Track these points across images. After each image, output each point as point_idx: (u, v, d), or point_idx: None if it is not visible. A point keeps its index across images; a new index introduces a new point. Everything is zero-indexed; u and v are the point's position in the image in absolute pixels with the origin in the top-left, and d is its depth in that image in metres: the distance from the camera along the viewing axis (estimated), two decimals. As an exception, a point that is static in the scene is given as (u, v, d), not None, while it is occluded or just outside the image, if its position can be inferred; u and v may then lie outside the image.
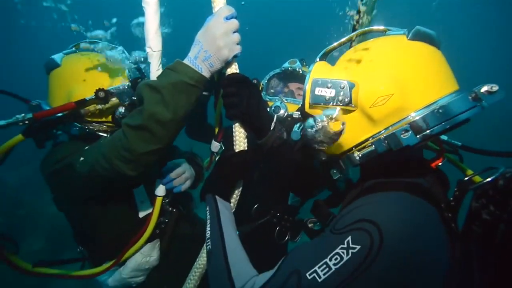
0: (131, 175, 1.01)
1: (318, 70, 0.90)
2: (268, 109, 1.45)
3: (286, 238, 1.72)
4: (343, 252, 0.68)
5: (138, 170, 1.01)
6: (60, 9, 1.32)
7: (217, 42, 0.95)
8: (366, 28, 1.00)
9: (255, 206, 1.71)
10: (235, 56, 1.02)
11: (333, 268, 0.68)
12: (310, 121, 0.82)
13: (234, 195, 1.13)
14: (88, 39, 1.42)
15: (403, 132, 0.75)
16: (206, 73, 0.98)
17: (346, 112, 0.83)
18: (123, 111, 1.33)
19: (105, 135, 1.35)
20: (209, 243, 0.94)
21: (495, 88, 0.71)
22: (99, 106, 1.29)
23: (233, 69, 1.07)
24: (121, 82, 1.34)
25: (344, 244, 0.69)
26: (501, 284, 0.74)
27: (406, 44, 0.83)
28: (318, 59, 0.98)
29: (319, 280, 0.68)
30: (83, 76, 1.33)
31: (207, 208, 1.04)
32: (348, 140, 0.85)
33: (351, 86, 0.81)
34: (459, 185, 0.83)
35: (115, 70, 1.38)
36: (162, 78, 0.96)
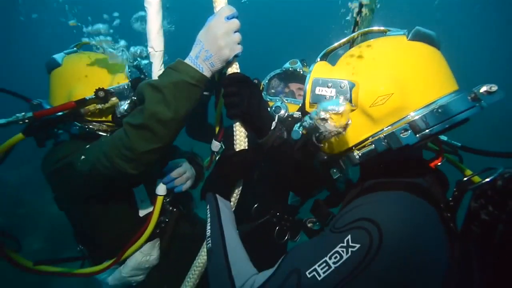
0: (132, 173, 1.01)
1: (319, 70, 0.90)
2: (268, 109, 1.45)
3: (286, 237, 1.73)
4: (342, 251, 0.69)
5: (139, 168, 1.01)
6: (59, 2, 1.32)
7: (218, 42, 0.96)
8: (366, 29, 1.00)
9: (255, 205, 1.71)
10: (236, 56, 1.02)
11: (333, 266, 0.68)
12: (314, 113, 0.81)
13: (234, 194, 1.13)
14: (89, 34, 1.42)
15: (403, 131, 0.76)
16: (207, 73, 0.98)
17: None
18: (125, 108, 1.33)
19: (105, 134, 1.36)
20: (210, 241, 0.95)
21: (494, 88, 0.72)
22: (99, 106, 1.29)
23: (234, 68, 1.07)
24: (121, 81, 1.35)
25: (344, 243, 0.69)
26: (500, 284, 0.74)
27: (406, 44, 0.84)
28: (318, 59, 0.98)
29: (319, 279, 0.68)
30: (83, 75, 1.33)
31: (208, 207, 1.05)
32: (348, 139, 0.85)
33: (351, 85, 0.81)
34: (458, 185, 0.84)
35: (115, 70, 1.38)
36: (163, 78, 0.96)
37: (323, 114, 0.76)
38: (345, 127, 0.76)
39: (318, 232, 1.01)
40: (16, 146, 1.26)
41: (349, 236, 0.69)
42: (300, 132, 0.90)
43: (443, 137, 1.11)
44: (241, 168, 1.11)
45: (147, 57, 1.09)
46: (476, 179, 0.84)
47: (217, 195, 1.06)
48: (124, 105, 1.32)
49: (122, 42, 1.39)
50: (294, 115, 1.64)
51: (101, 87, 1.27)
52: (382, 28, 0.95)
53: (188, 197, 1.61)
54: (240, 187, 1.15)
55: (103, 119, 1.36)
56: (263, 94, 1.82)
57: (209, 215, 1.02)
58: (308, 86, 0.87)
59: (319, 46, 1.07)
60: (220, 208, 1.02)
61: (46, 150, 1.36)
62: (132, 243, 1.34)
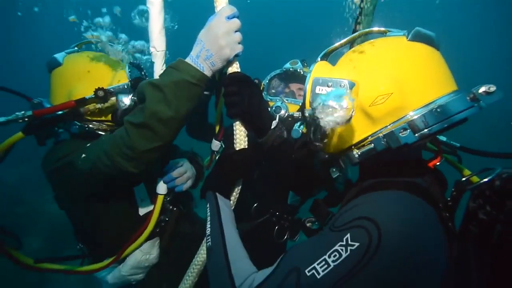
0: (132, 172, 1.02)
1: (319, 69, 0.91)
2: (269, 109, 1.45)
3: (285, 237, 1.73)
4: (342, 249, 0.69)
5: (139, 167, 1.02)
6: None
7: (219, 41, 0.96)
8: (366, 29, 1.01)
9: (255, 204, 1.72)
10: (236, 55, 1.03)
11: (332, 265, 0.69)
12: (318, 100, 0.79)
13: (234, 193, 1.14)
14: (88, 28, 1.42)
15: (402, 130, 0.76)
16: (207, 72, 0.99)
17: None
18: (127, 103, 1.33)
19: (105, 134, 1.36)
20: (209, 239, 0.95)
21: (493, 88, 0.72)
22: (99, 105, 1.30)
23: (235, 68, 1.08)
24: (121, 81, 1.35)
25: (343, 241, 0.69)
26: (498, 284, 0.75)
27: (406, 44, 0.84)
28: (319, 59, 0.99)
29: (318, 277, 0.69)
30: (83, 75, 1.34)
31: (208, 205, 1.05)
32: (347, 139, 0.86)
33: (351, 85, 0.82)
34: (456, 185, 0.84)
35: (115, 70, 1.39)
36: (164, 77, 0.97)
37: (324, 106, 0.75)
38: (349, 118, 0.75)
39: (316, 231, 1.02)
40: (16, 145, 1.27)
41: (348, 235, 0.70)
42: (300, 131, 0.90)
43: (442, 138, 1.12)
44: (241, 167, 1.11)
45: (146, 52, 1.09)
46: (475, 179, 0.84)
47: (217, 194, 1.07)
48: (126, 100, 1.32)
49: (123, 36, 1.39)
50: (294, 115, 1.65)
51: (100, 87, 1.27)
52: (382, 28, 0.95)
53: (188, 196, 1.62)
54: (240, 186, 1.15)
55: (103, 118, 1.37)
56: (263, 94, 1.83)
57: (209, 214, 1.02)
58: (308, 86, 0.87)
59: (319, 46, 1.07)
60: (220, 207, 1.02)
61: (46, 149, 1.36)
62: (132, 241, 1.35)
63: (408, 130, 0.76)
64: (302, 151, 1.04)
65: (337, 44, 1.02)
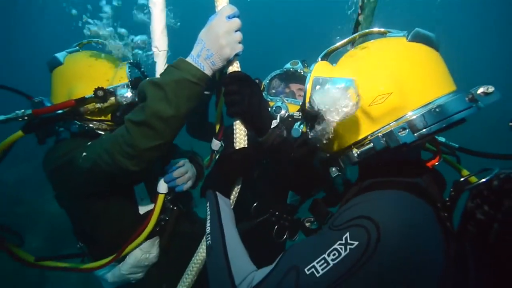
0: (133, 170, 1.02)
1: (320, 69, 0.91)
2: (269, 109, 1.46)
3: (284, 236, 1.74)
4: (341, 248, 0.69)
5: (140, 165, 1.02)
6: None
7: (219, 41, 0.97)
8: (367, 30, 1.01)
9: (255, 204, 1.72)
10: (236, 55, 1.03)
11: (331, 263, 0.69)
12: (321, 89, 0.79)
13: (234, 192, 1.14)
14: (87, 23, 1.42)
15: (401, 130, 0.77)
16: (208, 71, 0.99)
17: None
18: (128, 95, 1.33)
19: (105, 133, 1.37)
20: (209, 238, 0.95)
21: (491, 89, 0.73)
22: (98, 105, 1.30)
23: (235, 67, 1.08)
24: (121, 81, 1.36)
25: (342, 240, 0.70)
26: (497, 284, 0.75)
27: (406, 45, 0.85)
28: (319, 59, 0.99)
29: (317, 275, 0.69)
30: (84, 75, 1.35)
31: (207, 204, 1.05)
32: (347, 138, 0.86)
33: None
34: (455, 185, 0.84)
35: (115, 69, 1.39)
36: (165, 76, 0.98)
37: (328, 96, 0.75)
38: (356, 103, 0.75)
39: (315, 231, 1.02)
40: (15, 145, 1.27)
41: (347, 234, 0.70)
42: (300, 130, 0.90)
43: (441, 139, 1.12)
44: (240, 166, 1.12)
45: (147, 47, 1.09)
46: (473, 179, 0.85)
47: (217, 193, 1.07)
48: (128, 94, 1.32)
49: (123, 30, 1.39)
50: (294, 115, 1.65)
51: (100, 87, 1.28)
52: (382, 29, 0.96)
53: (188, 196, 1.62)
54: (240, 185, 1.15)
55: (103, 118, 1.37)
56: (263, 94, 1.83)
57: (209, 212, 1.03)
58: (309, 85, 0.88)
59: (319, 46, 1.08)
60: (220, 206, 1.02)
61: (47, 148, 1.37)
62: (132, 240, 1.35)
63: (407, 130, 0.77)
64: (302, 150, 1.04)
65: (337, 44, 1.03)
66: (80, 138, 1.33)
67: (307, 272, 0.70)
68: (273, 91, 1.92)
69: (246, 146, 1.13)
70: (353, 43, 1.04)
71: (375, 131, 0.82)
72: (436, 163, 0.90)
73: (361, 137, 0.84)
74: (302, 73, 1.82)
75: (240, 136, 1.13)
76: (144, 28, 1.10)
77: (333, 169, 0.93)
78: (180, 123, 1.00)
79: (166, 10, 1.06)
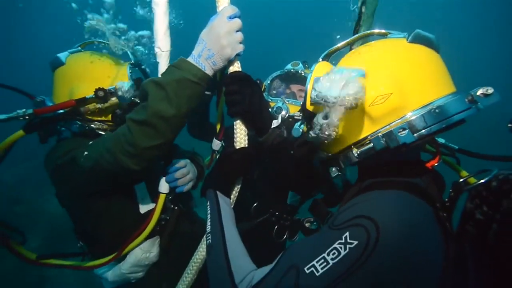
0: (134, 169, 1.03)
1: (320, 69, 0.92)
2: (270, 109, 1.46)
3: (284, 236, 1.74)
4: (340, 247, 0.70)
5: (141, 164, 1.03)
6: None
7: (220, 41, 0.98)
8: (367, 31, 1.02)
9: (255, 204, 1.73)
10: (237, 55, 1.04)
11: (331, 262, 0.69)
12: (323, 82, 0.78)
13: (234, 191, 1.14)
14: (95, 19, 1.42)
15: (401, 130, 0.77)
16: (209, 71, 1.00)
17: None
18: (128, 89, 1.33)
19: (106, 133, 1.37)
20: (210, 237, 0.96)
21: (491, 91, 0.74)
22: (99, 105, 1.31)
23: (236, 67, 1.09)
24: (122, 81, 1.36)
25: (342, 240, 0.70)
26: (496, 284, 0.75)
27: (406, 46, 0.86)
28: (320, 60, 1.00)
29: (317, 275, 0.70)
30: (85, 75, 1.35)
31: (208, 203, 1.06)
32: (347, 138, 0.87)
33: None
34: (454, 186, 0.85)
35: (117, 70, 1.40)
36: (166, 75, 0.99)
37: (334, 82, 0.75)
38: (362, 89, 0.74)
39: (315, 231, 1.03)
40: (15, 145, 1.27)
41: (347, 233, 0.70)
42: (301, 130, 0.91)
43: (441, 140, 1.13)
44: (240, 165, 1.12)
45: (148, 43, 1.09)
46: (472, 180, 0.85)
47: (218, 192, 1.07)
48: (127, 93, 1.32)
49: (121, 25, 1.39)
50: (295, 116, 1.66)
51: (101, 87, 1.28)
52: (382, 30, 0.96)
53: (188, 196, 1.62)
54: (240, 185, 1.16)
55: (103, 118, 1.38)
56: (264, 95, 1.83)
57: (209, 212, 1.03)
58: (310, 85, 0.88)
59: (320, 46, 1.08)
60: (220, 205, 1.03)
61: (47, 148, 1.37)
62: (133, 239, 1.35)
63: (407, 130, 0.77)
64: (302, 149, 1.05)
65: (338, 45, 1.03)
66: (81, 137, 1.34)
67: (307, 271, 0.71)
68: (274, 92, 1.92)
69: (246, 145, 1.14)
70: (353, 44, 1.05)
71: (375, 131, 0.82)
72: (436, 164, 0.90)
73: (361, 137, 0.84)
74: (303, 74, 1.82)
75: (241, 136, 1.13)
76: (145, 24, 1.10)
77: (333, 169, 0.94)
78: (181, 122, 1.01)
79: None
